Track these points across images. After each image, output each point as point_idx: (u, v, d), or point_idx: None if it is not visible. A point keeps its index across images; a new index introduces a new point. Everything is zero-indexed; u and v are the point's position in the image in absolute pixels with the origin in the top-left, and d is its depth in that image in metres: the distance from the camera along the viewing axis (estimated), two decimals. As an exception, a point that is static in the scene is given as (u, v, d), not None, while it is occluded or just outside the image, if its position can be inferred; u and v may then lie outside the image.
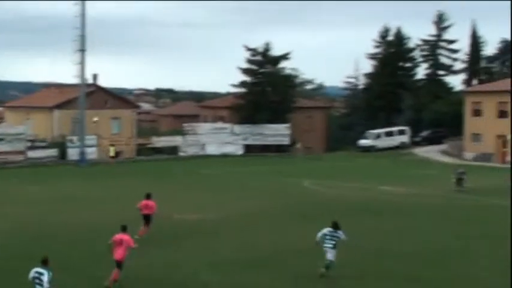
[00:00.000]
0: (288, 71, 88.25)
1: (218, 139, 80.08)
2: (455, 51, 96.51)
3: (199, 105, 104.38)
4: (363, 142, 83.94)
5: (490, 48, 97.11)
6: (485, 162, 68.81)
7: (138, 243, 23.79)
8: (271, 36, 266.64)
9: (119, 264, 21.69)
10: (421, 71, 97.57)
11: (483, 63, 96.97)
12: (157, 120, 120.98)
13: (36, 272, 18.08)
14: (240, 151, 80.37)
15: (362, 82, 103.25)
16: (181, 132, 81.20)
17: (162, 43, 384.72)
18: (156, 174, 59.16)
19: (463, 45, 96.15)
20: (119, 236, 21.89)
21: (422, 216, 36.62)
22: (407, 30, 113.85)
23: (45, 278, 17.85)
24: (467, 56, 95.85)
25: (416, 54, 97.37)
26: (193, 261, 25.30)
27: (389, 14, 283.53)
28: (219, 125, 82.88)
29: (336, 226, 23.57)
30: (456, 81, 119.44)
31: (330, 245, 23.12)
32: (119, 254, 21.69)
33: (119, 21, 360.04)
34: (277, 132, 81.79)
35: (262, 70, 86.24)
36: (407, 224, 34.01)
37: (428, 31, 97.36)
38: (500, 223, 34.13)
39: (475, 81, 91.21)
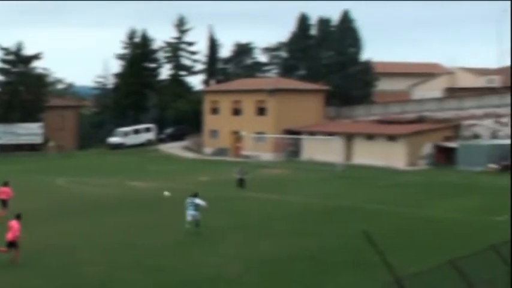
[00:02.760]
0: (39, 71, 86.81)
1: (-31, 139, 77.33)
2: (194, 53, 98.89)
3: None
4: (112, 140, 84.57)
5: (225, 51, 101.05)
6: (222, 157, 72.08)
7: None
8: (24, 36, 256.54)
9: (11, 244, 24.82)
10: (165, 72, 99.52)
11: (220, 65, 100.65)
12: None
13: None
14: (-8, 150, 78.11)
15: (111, 82, 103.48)
16: None
17: None
18: None
19: (202, 48, 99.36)
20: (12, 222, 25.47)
21: (167, 209, 37.49)
22: (152, 33, 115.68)
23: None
24: (206, 58, 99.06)
25: (160, 55, 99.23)
26: None
27: (136, 16, 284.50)
28: (-30, 125, 79.97)
29: (195, 195, 30.71)
30: (196, 81, 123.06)
31: (192, 209, 30.18)
32: (9, 236, 25.00)
33: None
34: (29, 131, 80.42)
35: (14, 69, 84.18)
36: (153, 217, 34.98)
37: (171, 34, 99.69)
38: (248, 214, 36.56)
39: (212, 81, 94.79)
